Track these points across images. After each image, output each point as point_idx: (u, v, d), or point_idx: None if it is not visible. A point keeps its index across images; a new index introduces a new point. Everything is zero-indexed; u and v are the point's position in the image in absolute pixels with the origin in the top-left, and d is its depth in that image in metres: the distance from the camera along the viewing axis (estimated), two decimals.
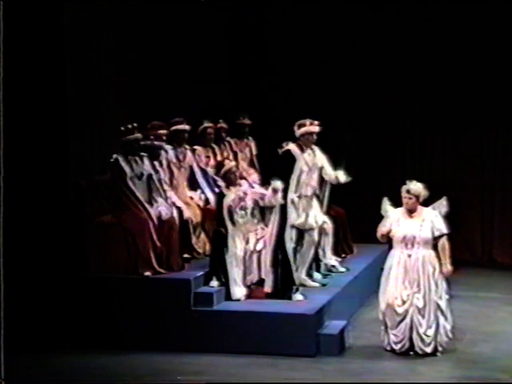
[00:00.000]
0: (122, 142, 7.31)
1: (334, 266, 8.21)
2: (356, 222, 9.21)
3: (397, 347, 6.62)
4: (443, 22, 10.08)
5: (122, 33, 8.22)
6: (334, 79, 10.26)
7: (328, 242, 8.13)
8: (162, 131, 7.65)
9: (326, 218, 8.00)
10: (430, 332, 6.55)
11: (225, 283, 7.09)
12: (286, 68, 10.33)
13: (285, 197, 7.29)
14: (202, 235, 7.90)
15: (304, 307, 6.93)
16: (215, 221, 7.38)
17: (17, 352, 6.01)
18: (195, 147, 8.41)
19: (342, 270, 8.27)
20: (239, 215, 7.24)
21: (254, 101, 9.98)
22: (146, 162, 7.42)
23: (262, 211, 7.31)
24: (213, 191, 8.10)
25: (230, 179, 7.32)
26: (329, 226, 8.03)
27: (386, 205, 6.84)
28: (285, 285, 7.12)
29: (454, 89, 10.21)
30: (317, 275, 7.81)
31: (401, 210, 6.72)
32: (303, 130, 7.70)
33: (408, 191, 6.63)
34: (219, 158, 8.46)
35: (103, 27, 7.99)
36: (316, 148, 7.90)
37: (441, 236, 6.65)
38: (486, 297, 8.63)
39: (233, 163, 7.43)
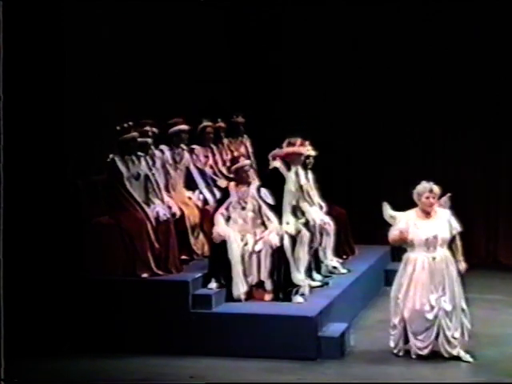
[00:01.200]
0: (118, 142, 7.22)
1: (335, 268, 8.11)
2: (357, 223, 9.15)
3: (422, 352, 6.37)
4: (443, 22, 10.01)
5: (120, 32, 8.17)
6: (334, 79, 10.21)
7: (329, 243, 8.05)
8: (150, 128, 7.55)
9: (326, 219, 7.89)
10: (457, 334, 6.36)
11: (225, 284, 6.97)
12: (285, 68, 10.29)
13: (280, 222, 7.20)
14: (201, 236, 7.82)
15: (304, 309, 6.83)
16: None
17: (14, 355, 5.87)
18: (194, 146, 8.34)
19: (344, 271, 8.16)
20: (238, 215, 7.12)
21: (253, 100, 9.93)
22: (143, 162, 7.35)
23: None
24: (211, 191, 8.03)
25: (242, 177, 7.24)
26: (330, 226, 7.97)
27: (389, 209, 6.64)
28: (284, 287, 7.00)
29: (455, 89, 10.15)
30: (317, 277, 7.68)
31: (414, 212, 6.48)
32: (291, 149, 7.54)
33: (431, 191, 6.42)
34: (218, 157, 8.40)
35: (102, 26, 7.93)
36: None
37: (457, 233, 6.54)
38: (489, 299, 8.48)
39: (247, 161, 7.33)
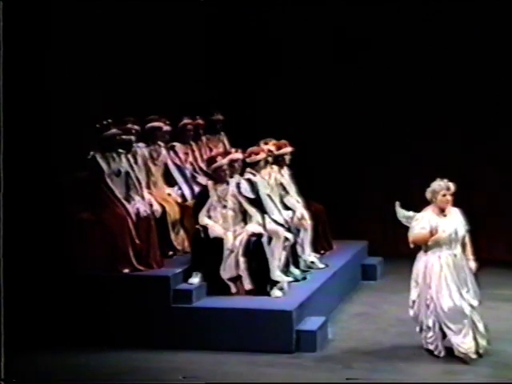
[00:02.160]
0: (99, 139, 7.18)
1: (313, 263, 8.10)
2: (335, 219, 9.10)
3: (471, 349, 6.22)
4: (441, 23, 9.97)
5: (103, 34, 8.14)
6: (311, 76, 10.17)
7: (306, 239, 8.04)
8: (132, 125, 7.52)
9: (305, 215, 7.90)
10: (482, 327, 6.32)
11: (207, 277, 6.96)
12: (262, 65, 10.24)
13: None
14: (181, 232, 7.79)
15: (283, 303, 6.81)
16: (194, 217, 7.27)
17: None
18: (174, 144, 8.31)
19: (322, 266, 8.14)
20: (219, 213, 7.14)
21: (231, 98, 9.88)
22: (124, 158, 7.31)
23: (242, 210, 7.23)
24: (190, 188, 8.00)
25: (220, 176, 7.22)
26: (307, 222, 7.97)
27: (402, 210, 6.51)
28: (262, 282, 6.99)
29: (434, 88, 10.09)
30: (296, 271, 7.66)
31: (431, 212, 6.34)
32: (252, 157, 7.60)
33: (448, 188, 6.28)
34: (197, 154, 8.38)
35: (85, 27, 7.90)
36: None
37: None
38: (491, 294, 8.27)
39: (224, 161, 7.28)
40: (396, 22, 10.01)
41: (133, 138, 7.47)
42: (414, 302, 6.42)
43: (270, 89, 10.19)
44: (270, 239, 7.15)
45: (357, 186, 10.35)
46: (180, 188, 7.99)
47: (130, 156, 7.37)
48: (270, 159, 8.04)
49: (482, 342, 6.26)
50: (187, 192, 7.96)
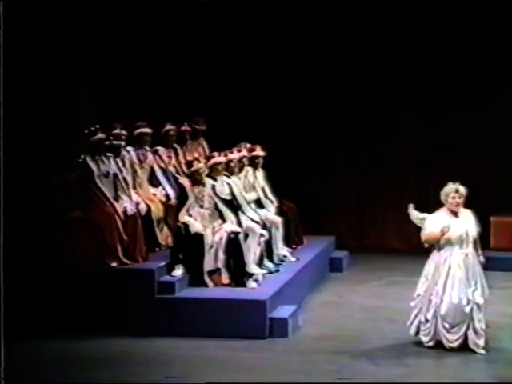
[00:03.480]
0: (87, 143, 7.26)
1: (285, 256, 8.26)
2: (306, 216, 9.25)
3: (454, 344, 6.18)
4: (407, 24, 10.09)
5: (91, 38, 8.12)
6: (284, 87, 10.28)
7: (279, 235, 8.21)
8: (120, 131, 7.61)
9: (274, 216, 8.16)
10: (483, 326, 6.20)
11: (189, 269, 7.08)
12: (239, 75, 10.34)
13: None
14: (165, 229, 7.90)
15: (257, 294, 6.94)
16: (176, 215, 7.38)
17: None
18: (158, 148, 8.40)
19: (293, 259, 8.31)
20: (197, 213, 7.28)
21: (210, 105, 9.96)
22: (112, 161, 7.39)
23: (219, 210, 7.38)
24: (173, 188, 8.09)
25: (196, 179, 7.36)
26: (278, 220, 8.17)
27: (416, 212, 6.40)
28: (239, 274, 7.15)
29: (406, 91, 10.22)
30: (269, 265, 7.82)
31: (443, 213, 6.26)
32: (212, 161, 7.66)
33: (457, 191, 6.21)
34: (181, 158, 8.47)
35: (74, 31, 7.88)
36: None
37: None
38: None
39: (201, 165, 7.43)
40: (365, 26, 10.09)
41: (122, 143, 7.56)
42: (418, 295, 6.34)
43: (244, 94, 10.23)
44: (246, 236, 7.30)
45: (325, 186, 10.50)
46: (164, 188, 8.08)
47: (118, 159, 7.45)
48: (245, 161, 8.28)
49: (478, 341, 6.13)
50: (170, 192, 8.03)
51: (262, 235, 7.57)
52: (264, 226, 7.81)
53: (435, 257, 6.29)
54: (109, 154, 7.38)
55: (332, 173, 10.51)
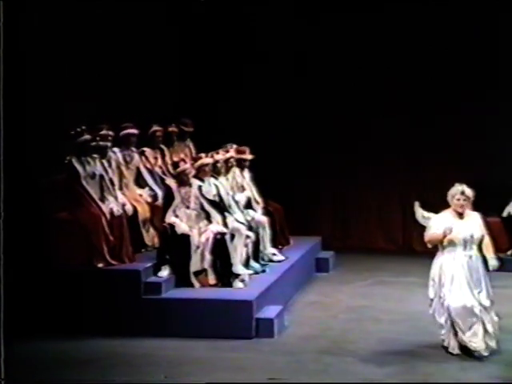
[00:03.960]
0: (74, 144, 7.24)
1: (274, 254, 8.26)
2: (292, 217, 9.28)
3: (477, 345, 6.04)
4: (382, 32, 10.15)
5: (79, 40, 8.10)
6: (271, 91, 10.28)
7: (266, 235, 8.22)
8: (107, 132, 7.60)
9: (261, 217, 8.17)
10: (492, 328, 6.11)
11: (175, 270, 7.07)
12: (226, 79, 10.35)
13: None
14: (151, 230, 7.89)
15: (244, 294, 6.94)
16: (162, 216, 7.36)
17: None
18: (144, 149, 8.39)
19: (282, 257, 8.30)
20: (183, 213, 7.26)
21: (197, 107, 9.95)
22: (98, 163, 7.38)
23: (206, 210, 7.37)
24: (160, 189, 8.07)
25: (183, 180, 7.35)
26: (265, 220, 8.19)
27: (422, 210, 6.32)
28: (226, 275, 7.15)
29: (385, 95, 10.25)
30: (256, 265, 7.80)
31: (449, 213, 6.15)
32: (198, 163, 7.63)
33: (463, 193, 6.09)
34: (168, 159, 8.45)
35: (61, 33, 7.85)
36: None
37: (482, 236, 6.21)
38: (405, 281, 8.73)
39: (187, 166, 7.42)
40: (353, 28, 10.09)
41: (108, 144, 7.54)
42: (431, 300, 6.22)
43: (230, 96, 10.24)
44: (232, 236, 7.30)
45: (311, 187, 10.52)
46: (150, 189, 8.08)
47: (104, 160, 7.43)
48: (233, 162, 8.24)
49: (490, 343, 6.06)
50: (157, 193, 8.02)
51: (248, 236, 7.56)
52: (250, 227, 7.80)
53: (439, 258, 6.17)
54: (95, 155, 7.37)
55: (318, 173, 10.55)
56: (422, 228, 10.20)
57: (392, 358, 6.13)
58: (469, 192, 6.14)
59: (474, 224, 6.14)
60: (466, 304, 6.01)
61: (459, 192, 6.12)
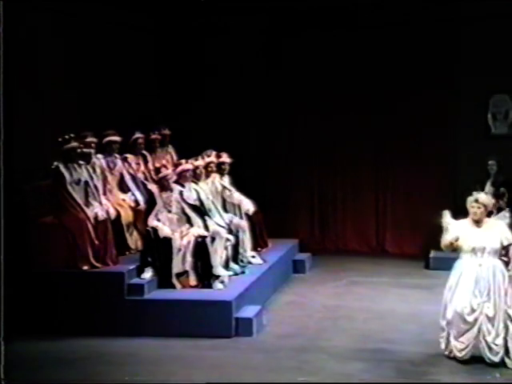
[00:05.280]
0: (61, 151, 7.25)
1: (254, 257, 8.30)
2: (270, 220, 9.31)
3: (460, 354, 5.87)
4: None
5: (64, 49, 8.10)
6: (246, 98, 10.32)
7: (246, 238, 8.27)
8: (91, 139, 7.63)
9: (240, 221, 8.22)
10: (499, 341, 5.81)
11: (158, 272, 7.09)
12: (206, 86, 10.37)
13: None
14: (135, 233, 7.91)
15: (224, 295, 6.98)
16: (145, 220, 7.39)
17: None
18: (127, 155, 8.42)
19: (258, 261, 8.33)
20: (165, 217, 7.30)
21: (178, 114, 9.99)
22: (84, 169, 7.41)
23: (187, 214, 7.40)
24: (142, 194, 8.12)
25: (164, 185, 7.38)
26: (244, 224, 8.25)
27: (448, 217, 6.09)
28: (206, 276, 7.19)
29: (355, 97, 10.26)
30: (235, 267, 7.85)
31: (467, 221, 5.96)
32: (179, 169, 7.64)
33: (476, 200, 5.90)
34: (150, 165, 8.50)
35: (48, 40, 7.84)
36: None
37: (509, 245, 5.94)
38: (378, 281, 8.81)
39: (168, 171, 7.46)
40: (319, 37, 10.14)
41: (92, 151, 7.57)
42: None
43: (206, 105, 10.26)
44: (213, 239, 7.33)
45: (288, 192, 10.56)
46: (133, 194, 8.09)
47: (89, 167, 7.45)
48: (213, 167, 8.29)
49: (490, 355, 5.79)
50: (140, 198, 8.06)
51: (227, 239, 7.61)
52: (230, 230, 7.84)
53: (456, 264, 6.02)
54: (81, 162, 7.40)
55: (294, 180, 10.57)
56: (394, 230, 10.46)
57: (365, 355, 6.20)
58: (483, 200, 5.92)
59: (491, 234, 5.87)
60: (460, 310, 5.83)
61: (473, 200, 5.94)
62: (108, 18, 8.96)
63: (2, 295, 5.11)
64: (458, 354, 5.87)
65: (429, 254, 9.50)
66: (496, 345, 5.81)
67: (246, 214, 8.51)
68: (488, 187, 9.22)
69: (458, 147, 10.22)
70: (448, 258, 9.50)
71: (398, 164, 10.37)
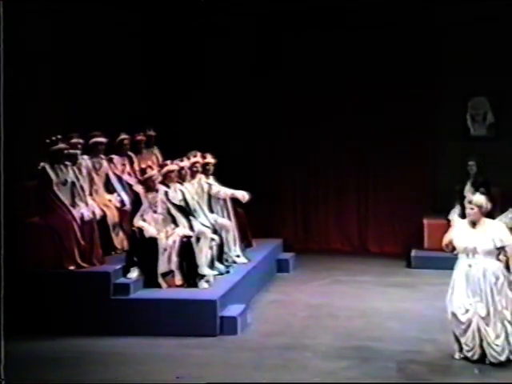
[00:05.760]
0: (48, 152, 7.24)
1: (238, 256, 8.33)
2: (255, 221, 9.33)
3: (469, 354, 5.85)
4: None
5: (50, 50, 8.06)
6: (230, 101, 10.34)
7: (230, 238, 8.29)
8: (77, 140, 7.62)
9: (224, 220, 8.23)
10: (499, 341, 5.77)
11: (144, 272, 7.10)
12: (191, 90, 10.39)
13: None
14: (120, 233, 7.91)
15: (209, 294, 6.99)
16: (130, 220, 7.41)
17: None
18: (112, 156, 8.42)
19: (243, 261, 8.36)
20: (151, 218, 7.31)
21: (163, 116, 9.99)
22: (70, 170, 7.40)
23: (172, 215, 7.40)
24: (128, 194, 8.12)
25: (149, 186, 7.40)
26: (228, 224, 8.29)
27: (455, 215, 6.22)
28: (191, 275, 7.20)
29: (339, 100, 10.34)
30: (221, 266, 7.86)
31: (465, 222, 5.94)
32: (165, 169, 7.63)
33: (470, 202, 5.86)
34: (136, 166, 8.50)
35: (33, 41, 7.80)
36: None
37: (503, 247, 5.83)
38: (361, 280, 8.87)
39: (154, 172, 7.46)
40: (308, 38, 10.21)
41: (78, 152, 7.57)
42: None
43: (192, 106, 10.30)
44: (198, 239, 7.35)
45: (272, 193, 10.59)
46: (119, 195, 8.10)
47: (75, 167, 7.45)
48: (198, 168, 8.30)
49: (495, 354, 5.75)
50: (125, 198, 8.06)
51: (212, 239, 7.62)
52: (215, 230, 7.86)
53: (455, 264, 6.00)
54: (67, 163, 7.39)
55: (278, 181, 10.59)
56: (376, 230, 10.53)
57: (349, 352, 6.24)
58: (477, 201, 5.84)
59: (484, 235, 5.80)
60: (455, 311, 5.85)
61: (468, 201, 5.91)
62: (94, 17, 8.92)
63: (1, 295, 5.04)
64: (467, 354, 5.89)
65: (410, 252, 9.61)
66: (497, 345, 5.79)
67: (235, 213, 8.52)
68: (468, 187, 9.33)
69: (438, 148, 10.34)
70: (429, 257, 9.69)
71: (379, 164, 10.45)
